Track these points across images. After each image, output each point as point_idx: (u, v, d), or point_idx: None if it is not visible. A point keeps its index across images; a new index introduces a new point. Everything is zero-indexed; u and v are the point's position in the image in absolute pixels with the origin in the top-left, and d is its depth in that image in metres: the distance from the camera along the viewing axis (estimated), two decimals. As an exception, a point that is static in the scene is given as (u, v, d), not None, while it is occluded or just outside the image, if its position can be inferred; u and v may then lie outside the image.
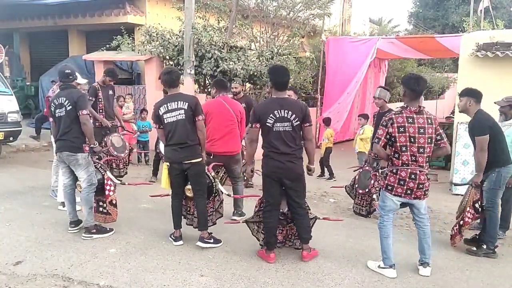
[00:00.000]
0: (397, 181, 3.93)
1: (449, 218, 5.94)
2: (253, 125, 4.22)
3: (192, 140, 4.45)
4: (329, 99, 11.92)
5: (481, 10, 17.16)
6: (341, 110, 11.76)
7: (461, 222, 4.71)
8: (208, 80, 10.09)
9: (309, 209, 4.54)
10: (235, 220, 5.43)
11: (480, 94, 4.69)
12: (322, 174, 8.33)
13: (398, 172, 3.92)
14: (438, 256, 4.48)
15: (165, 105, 4.45)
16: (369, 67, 11.85)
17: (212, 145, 5.25)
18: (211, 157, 5.26)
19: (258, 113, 4.21)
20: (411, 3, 30.25)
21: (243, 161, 5.60)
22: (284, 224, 4.47)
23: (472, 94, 4.67)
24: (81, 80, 5.68)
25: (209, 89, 9.69)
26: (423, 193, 3.97)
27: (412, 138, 3.88)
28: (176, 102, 4.42)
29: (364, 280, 3.95)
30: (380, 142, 3.96)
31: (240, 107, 5.55)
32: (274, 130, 4.12)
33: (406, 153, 3.89)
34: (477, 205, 4.69)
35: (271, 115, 4.11)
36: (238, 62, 9.34)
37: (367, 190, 5.67)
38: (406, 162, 3.89)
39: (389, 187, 3.99)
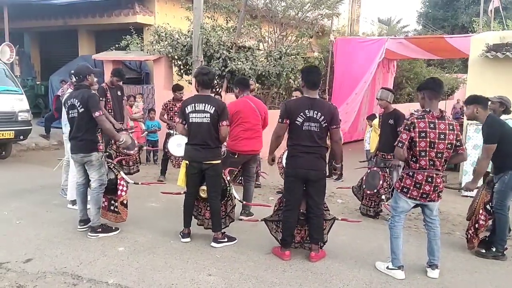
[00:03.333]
0: (413, 183, 3.91)
1: (458, 220, 5.91)
2: (284, 121, 4.27)
3: (214, 143, 4.50)
4: (337, 99, 11.87)
5: (491, 10, 17.02)
6: (349, 110, 11.72)
7: (476, 225, 4.67)
8: (216, 80, 10.11)
9: (328, 210, 4.56)
10: (242, 219, 5.46)
11: (487, 100, 4.72)
12: (330, 174, 8.29)
13: (415, 175, 3.89)
14: (447, 258, 4.45)
15: (193, 105, 4.50)
16: (377, 67, 11.80)
17: (238, 143, 5.33)
18: (236, 156, 5.29)
19: (288, 109, 4.27)
20: (420, 3, 30.16)
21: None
22: (303, 224, 4.48)
23: (478, 101, 4.67)
24: None
25: (218, 89, 9.73)
26: (437, 195, 3.96)
27: (432, 144, 3.86)
28: (203, 104, 4.46)
29: (372, 281, 3.94)
30: (404, 147, 3.92)
31: (263, 106, 5.66)
32: (303, 129, 4.18)
33: (424, 158, 3.87)
34: (488, 206, 4.68)
35: (301, 114, 4.18)
36: (246, 62, 9.35)
37: (375, 190, 5.65)
38: (424, 166, 3.88)
39: (405, 190, 3.97)
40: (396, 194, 4.12)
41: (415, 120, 3.91)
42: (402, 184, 3.99)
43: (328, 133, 4.29)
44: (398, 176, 4.18)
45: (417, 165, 3.90)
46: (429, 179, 3.87)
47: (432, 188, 3.89)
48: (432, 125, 3.87)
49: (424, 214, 4.17)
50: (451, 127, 3.91)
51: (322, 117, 4.16)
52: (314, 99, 4.25)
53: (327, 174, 7.99)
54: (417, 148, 3.88)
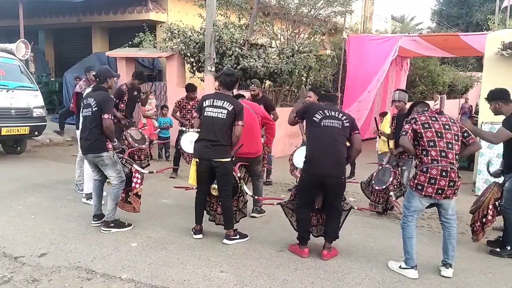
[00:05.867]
0: (427, 180, 3.84)
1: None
2: (296, 118, 4.42)
3: (225, 141, 4.50)
4: (349, 97, 11.81)
5: (505, 7, 16.75)
6: (362, 108, 11.65)
7: (484, 220, 4.64)
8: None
9: (344, 199, 4.54)
10: (254, 217, 5.46)
11: (506, 93, 4.65)
12: (351, 174, 8.22)
13: (429, 170, 3.83)
14: (461, 258, 4.40)
15: (211, 100, 4.54)
16: (390, 65, 11.70)
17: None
18: (233, 158, 5.28)
19: (306, 109, 4.36)
20: (434, 1, 29.83)
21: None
22: (319, 212, 4.49)
23: (498, 96, 4.63)
24: None
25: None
26: (453, 191, 3.88)
27: (438, 133, 3.88)
28: (222, 101, 4.49)
29: (384, 280, 3.92)
30: (407, 135, 3.94)
31: (260, 109, 5.63)
32: (321, 125, 4.16)
33: (434, 148, 3.84)
34: (497, 203, 4.66)
35: (320, 111, 4.20)
36: (259, 59, 9.34)
37: (384, 187, 5.61)
38: (436, 158, 3.83)
39: (419, 187, 3.90)
40: (409, 192, 4.06)
41: (416, 115, 4.07)
42: (416, 181, 3.93)
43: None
44: (412, 174, 4.12)
45: (429, 158, 3.85)
46: (444, 173, 3.81)
47: (447, 183, 3.82)
48: (433, 118, 3.98)
49: (439, 214, 4.12)
50: (452, 121, 4.02)
51: (344, 116, 4.18)
52: (334, 106, 4.36)
53: (349, 175, 8.03)
54: (425, 139, 3.88)
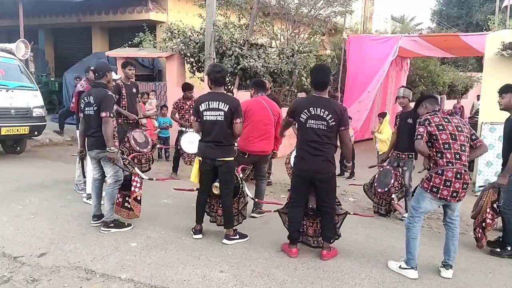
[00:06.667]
0: (443, 182, 3.82)
1: (472, 220, 5.83)
2: (288, 118, 4.41)
3: (228, 141, 4.51)
4: (349, 97, 11.82)
5: (505, 7, 16.75)
6: (362, 108, 11.65)
7: (483, 224, 4.64)
8: (228, 77, 10.11)
9: (340, 204, 4.53)
10: (254, 217, 5.46)
11: None
12: (341, 173, 8.27)
13: (445, 172, 3.81)
14: (461, 258, 4.40)
15: (207, 103, 4.49)
16: (390, 65, 11.71)
17: (249, 143, 5.31)
18: (246, 156, 5.30)
19: (293, 108, 4.32)
20: (434, 1, 29.83)
21: None
22: (314, 218, 4.46)
23: None
24: (115, 76, 5.75)
25: (230, 87, 9.75)
26: (464, 193, 3.89)
27: (452, 135, 3.86)
28: (217, 102, 4.45)
29: (384, 281, 3.91)
30: (423, 139, 3.89)
31: (277, 108, 5.61)
32: (307, 126, 4.13)
33: (449, 151, 3.83)
34: (495, 205, 4.66)
35: (305, 111, 4.14)
36: (259, 59, 9.34)
37: (386, 189, 5.61)
38: (451, 160, 3.81)
39: (434, 189, 3.86)
40: (420, 194, 4.02)
41: (429, 117, 3.98)
42: (431, 183, 3.88)
43: (337, 134, 4.21)
44: (425, 176, 4.01)
45: (444, 160, 3.83)
46: (458, 176, 3.81)
47: (461, 186, 3.82)
48: (446, 120, 3.94)
49: (445, 215, 4.10)
50: (462, 122, 4.01)
51: (330, 115, 4.07)
52: (323, 98, 4.20)
53: (339, 172, 8.05)
54: (440, 141, 3.85)
